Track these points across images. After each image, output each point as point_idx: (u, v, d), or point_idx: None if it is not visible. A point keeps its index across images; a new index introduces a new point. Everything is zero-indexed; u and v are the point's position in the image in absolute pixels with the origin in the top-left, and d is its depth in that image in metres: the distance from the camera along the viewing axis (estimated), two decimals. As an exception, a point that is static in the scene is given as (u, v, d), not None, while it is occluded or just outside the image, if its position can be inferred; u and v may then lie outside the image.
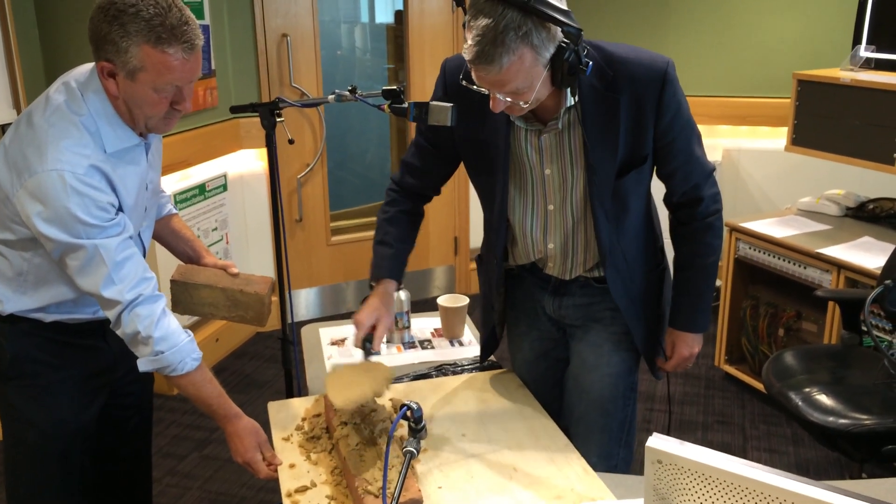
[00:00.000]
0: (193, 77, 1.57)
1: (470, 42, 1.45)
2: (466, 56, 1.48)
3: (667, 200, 1.82)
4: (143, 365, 1.62)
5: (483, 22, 1.42)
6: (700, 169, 1.74)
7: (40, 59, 3.24)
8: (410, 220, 1.94)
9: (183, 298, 1.89)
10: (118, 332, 1.60)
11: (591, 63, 1.52)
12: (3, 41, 2.96)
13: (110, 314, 1.58)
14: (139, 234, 1.76)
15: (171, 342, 1.59)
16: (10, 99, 3.02)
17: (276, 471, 1.66)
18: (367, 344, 1.76)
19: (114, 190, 1.57)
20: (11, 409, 1.73)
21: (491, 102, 1.55)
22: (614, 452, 1.88)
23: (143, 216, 1.75)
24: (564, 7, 1.47)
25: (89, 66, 1.63)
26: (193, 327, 3.55)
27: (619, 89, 1.61)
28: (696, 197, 1.76)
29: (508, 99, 1.53)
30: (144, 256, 1.79)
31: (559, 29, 1.46)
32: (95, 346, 1.77)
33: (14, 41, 2.98)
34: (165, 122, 1.61)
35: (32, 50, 3.19)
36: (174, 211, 2.00)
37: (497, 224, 1.83)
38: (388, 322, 1.80)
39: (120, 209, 1.59)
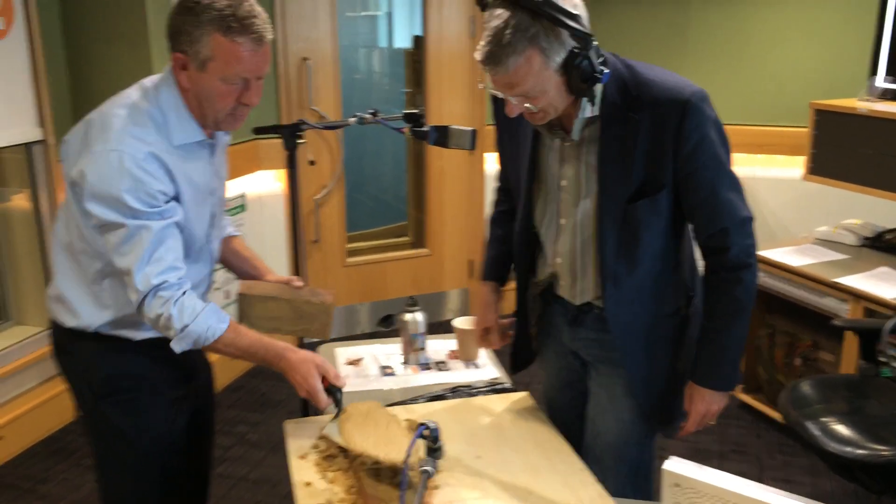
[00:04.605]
0: (261, 71, 1.62)
1: (482, 43, 1.49)
2: (477, 57, 1.51)
3: (698, 243, 1.73)
4: (176, 345, 1.64)
5: (494, 23, 1.47)
6: (729, 213, 1.63)
7: (66, 80, 3.30)
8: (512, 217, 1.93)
9: (249, 312, 1.90)
10: (146, 321, 1.63)
11: (606, 71, 1.53)
12: (31, 61, 3.03)
13: (135, 298, 1.60)
14: (208, 243, 1.80)
15: (191, 314, 1.61)
16: (37, 118, 3.08)
17: (339, 391, 1.72)
18: (337, 395, 1.73)
19: (174, 181, 1.62)
20: (107, 426, 1.76)
21: (506, 106, 1.58)
22: (629, 497, 1.83)
23: (210, 223, 1.79)
24: (576, 12, 1.49)
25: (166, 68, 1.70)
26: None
27: (639, 110, 1.59)
28: (724, 244, 1.65)
29: (526, 105, 1.55)
30: (212, 266, 1.86)
31: (569, 33, 1.48)
32: (174, 357, 1.78)
33: (41, 61, 3.04)
34: (233, 119, 1.67)
35: (59, 70, 3.25)
36: (235, 233, 2.03)
37: (518, 230, 1.84)
38: (488, 324, 1.96)
39: (176, 200, 1.63)
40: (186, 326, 1.61)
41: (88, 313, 1.71)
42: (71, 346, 1.77)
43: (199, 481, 2.06)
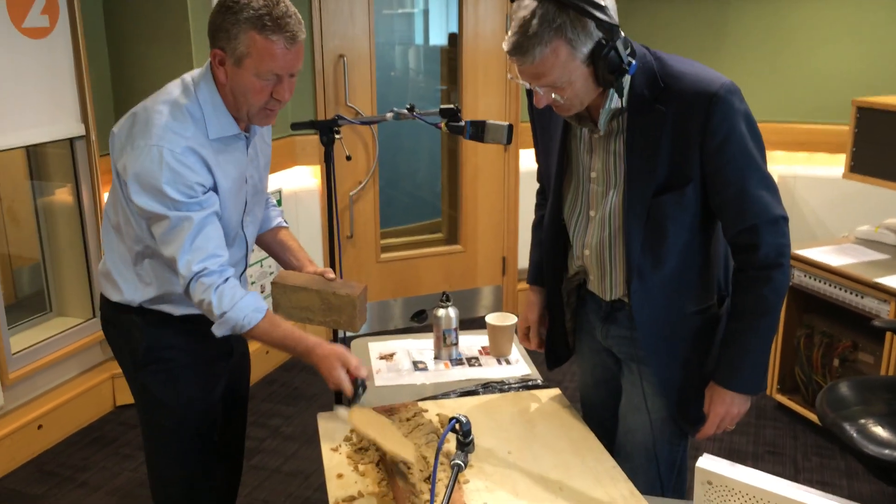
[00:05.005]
0: (293, 68, 1.70)
1: (509, 33, 1.51)
2: (504, 48, 1.53)
3: (727, 240, 1.70)
4: (216, 330, 1.74)
5: (521, 14, 1.48)
6: (759, 210, 1.59)
7: (108, 77, 3.37)
8: None
9: (282, 301, 1.96)
10: (194, 304, 1.74)
11: (633, 62, 1.53)
12: (74, 59, 3.09)
13: (182, 283, 1.71)
14: (242, 229, 1.89)
15: (230, 302, 1.70)
16: (79, 113, 3.14)
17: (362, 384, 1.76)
18: (359, 390, 1.76)
19: (211, 173, 1.71)
20: (147, 394, 1.89)
21: (534, 97, 1.59)
22: (660, 495, 1.83)
23: (243, 210, 1.87)
24: (604, 3, 1.48)
25: (206, 63, 1.79)
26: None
27: (666, 102, 1.57)
28: (753, 242, 1.61)
29: (553, 95, 1.55)
30: (248, 252, 1.96)
31: (596, 24, 1.48)
32: (211, 332, 1.88)
33: (84, 59, 3.10)
34: (265, 115, 1.74)
35: (101, 67, 3.32)
36: (284, 224, 2.12)
37: (548, 223, 1.85)
38: (529, 323, 2.03)
39: (214, 190, 1.72)
40: (225, 313, 1.70)
41: (131, 289, 1.83)
42: (116, 319, 1.89)
43: (233, 460, 2.14)
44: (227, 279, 1.71)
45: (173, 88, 1.74)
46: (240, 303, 1.71)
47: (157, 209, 1.65)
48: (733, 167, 1.58)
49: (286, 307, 1.95)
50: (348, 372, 1.75)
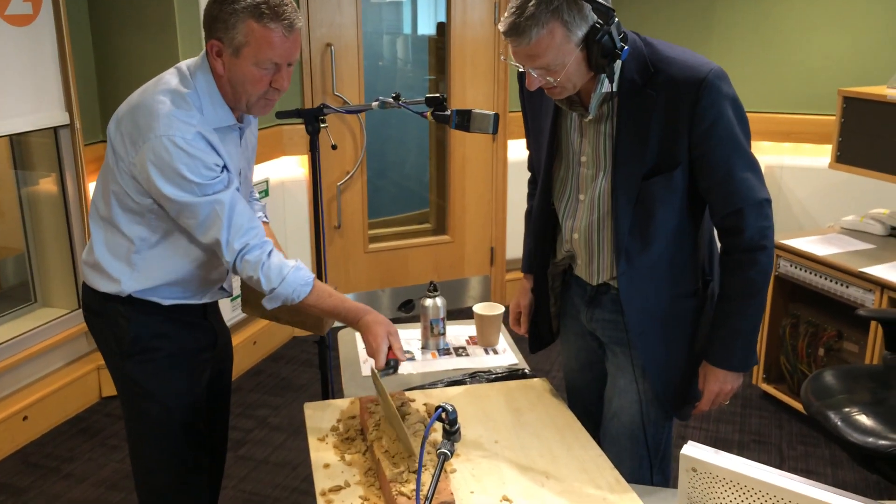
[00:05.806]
0: (291, 56, 1.70)
1: (506, 14, 1.52)
2: (501, 28, 1.54)
3: (714, 223, 1.73)
4: (267, 303, 1.78)
5: None
6: (745, 194, 1.62)
7: (93, 65, 3.33)
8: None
9: (250, 299, 1.96)
10: (243, 279, 1.78)
11: (626, 48, 1.55)
12: (58, 46, 3.06)
13: (228, 264, 1.74)
14: None
15: (277, 278, 1.74)
16: (63, 102, 3.11)
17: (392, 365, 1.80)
18: (389, 368, 1.80)
19: (220, 156, 1.71)
20: (133, 384, 1.88)
21: (526, 79, 1.60)
22: (647, 478, 1.86)
23: None
24: None
25: (200, 55, 1.78)
26: (233, 328, 3.58)
27: (656, 88, 1.60)
28: (738, 225, 1.64)
29: (549, 78, 1.56)
30: None
31: (591, 8, 1.50)
32: (200, 323, 1.92)
33: (68, 47, 3.07)
34: (264, 104, 1.75)
35: (85, 55, 3.28)
36: (265, 219, 2.11)
37: (537, 207, 1.86)
38: (520, 309, 2.07)
39: (225, 168, 1.73)
40: (274, 289, 1.75)
41: (124, 279, 1.82)
42: (101, 308, 1.87)
43: (216, 450, 2.14)
44: (269, 252, 1.74)
45: (170, 78, 1.73)
46: (288, 277, 1.74)
47: (185, 198, 1.66)
48: (720, 151, 1.61)
49: (255, 305, 1.94)
50: (389, 349, 1.80)
